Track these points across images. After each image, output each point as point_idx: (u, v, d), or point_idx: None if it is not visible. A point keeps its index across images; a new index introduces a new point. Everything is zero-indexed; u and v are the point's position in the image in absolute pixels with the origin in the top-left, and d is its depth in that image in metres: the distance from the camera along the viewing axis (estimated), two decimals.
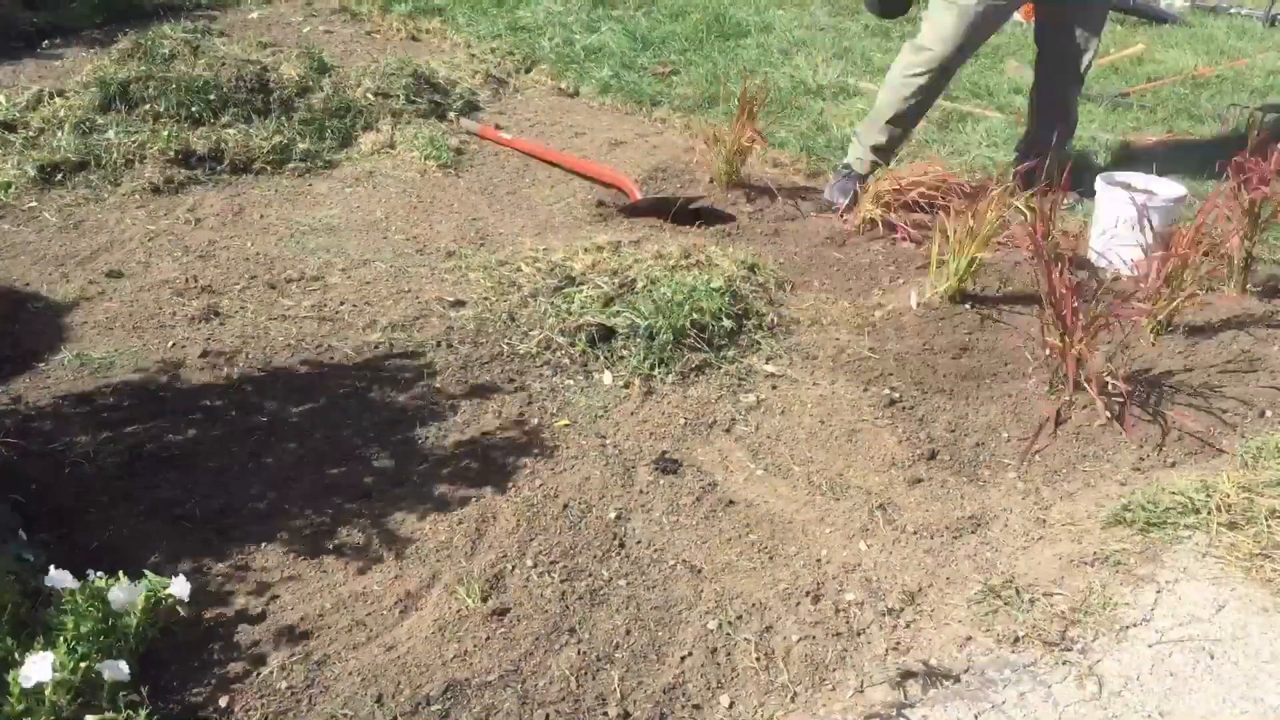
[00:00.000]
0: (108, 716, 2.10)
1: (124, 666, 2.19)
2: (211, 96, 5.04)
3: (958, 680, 2.32)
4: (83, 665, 2.16)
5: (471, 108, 5.54)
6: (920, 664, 2.36)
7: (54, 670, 2.10)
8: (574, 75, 5.95)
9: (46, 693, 2.08)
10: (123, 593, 2.32)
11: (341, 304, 3.77)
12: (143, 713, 2.12)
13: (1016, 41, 6.62)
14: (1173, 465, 2.99)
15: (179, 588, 2.41)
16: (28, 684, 2.08)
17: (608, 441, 3.10)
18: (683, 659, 2.39)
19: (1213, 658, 2.35)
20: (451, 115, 5.37)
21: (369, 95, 5.36)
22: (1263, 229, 3.74)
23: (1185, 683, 2.30)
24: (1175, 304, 3.47)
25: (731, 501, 2.87)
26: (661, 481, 2.94)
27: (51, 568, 2.37)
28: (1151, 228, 3.67)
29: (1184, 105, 5.64)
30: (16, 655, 2.15)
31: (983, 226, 3.62)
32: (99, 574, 2.40)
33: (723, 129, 4.63)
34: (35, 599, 2.35)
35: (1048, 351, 3.28)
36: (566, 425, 3.14)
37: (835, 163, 4.79)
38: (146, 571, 2.43)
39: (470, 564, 2.65)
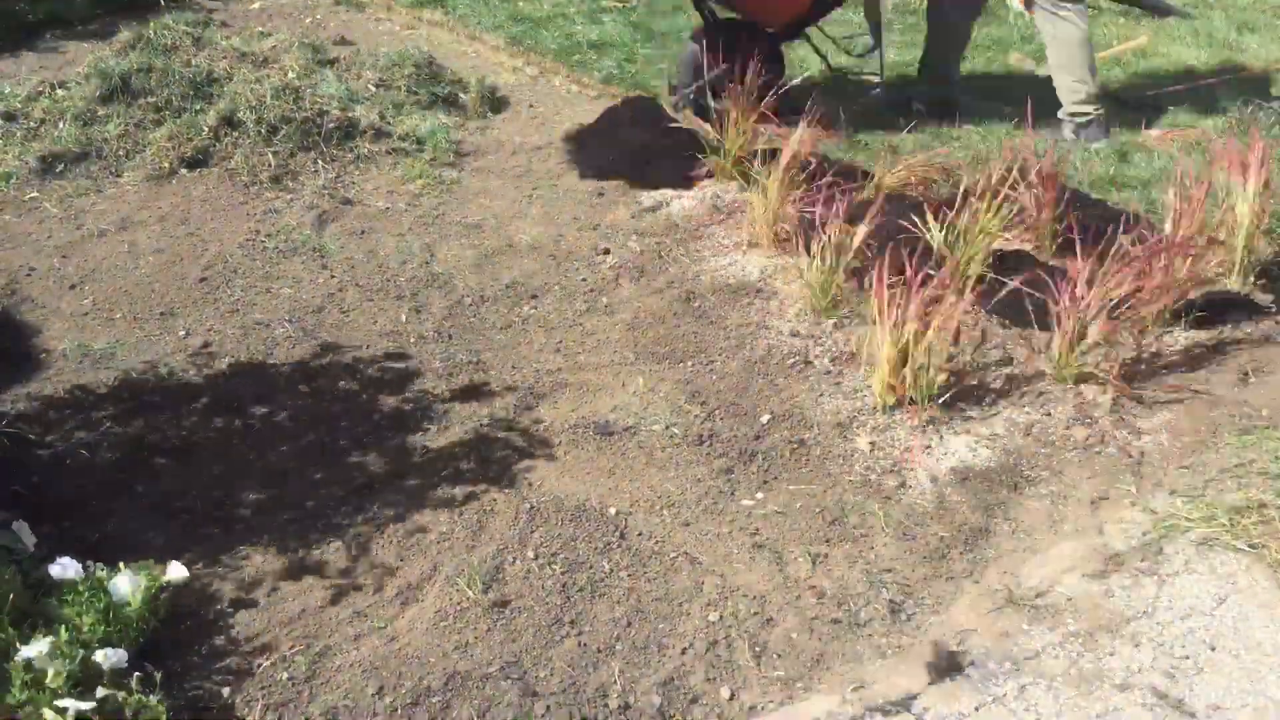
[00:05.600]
0: (113, 694, 2.10)
1: (123, 654, 2.19)
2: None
3: (959, 672, 2.32)
4: (81, 653, 2.16)
5: (472, 98, 5.53)
6: (922, 657, 2.36)
7: (50, 655, 2.10)
8: (577, 67, 5.94)
9: (46, 680, 2.08)
10: (124, 583, 2.32)
11: (340, 290, 3.77)
12: (153, 699, 2.13)
13: (1019, 33, 6.59)
14: (1173, 463, 2.99)
15: (176, 572, 2.41)
16: (21, 660, 2.09)
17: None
18: (683, 651, 2.39)
19: (1213, 650, 2.35)
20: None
21: (370, 87, 5.35)
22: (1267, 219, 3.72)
23: (1186, 675, 2.30)
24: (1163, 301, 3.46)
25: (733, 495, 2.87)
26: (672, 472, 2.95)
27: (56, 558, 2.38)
28: None
29: (1187, 98, 5.62)
30: (17, 645, 2.16)
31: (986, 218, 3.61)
32: (100, 565, 2.40)
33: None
34: (37, 589, 2.35)
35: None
36: None
37: (837, 150, 4.77)
38: (146, 562, 2.43)
39: (471, 555, 2.65)
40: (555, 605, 2.50)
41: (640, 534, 2.74)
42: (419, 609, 2.50)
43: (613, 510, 2.81)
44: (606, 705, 2.26)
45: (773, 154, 4.10)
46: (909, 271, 3.06)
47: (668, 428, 3.12)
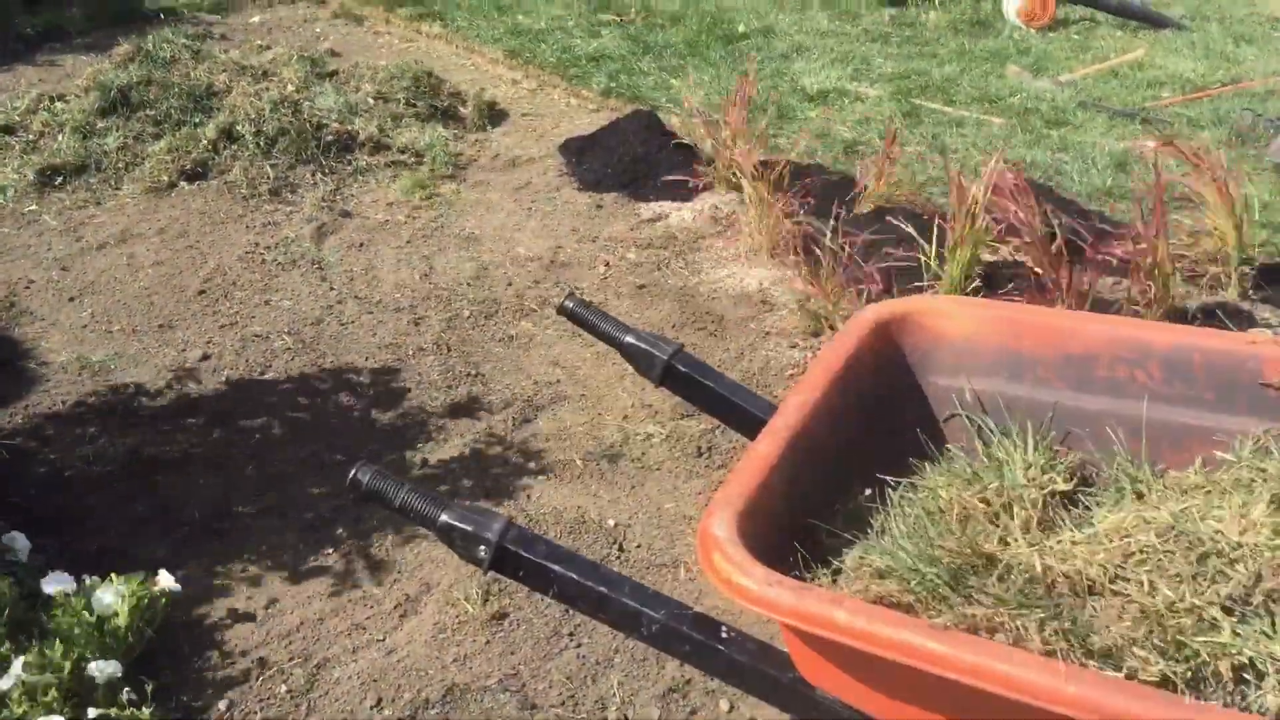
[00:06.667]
0: (105, 713, 2.09)
1: (117, 666, 2.18)
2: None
3: None
4: (72, 666, 2.15)
5: (470, 111, 5.55)
6: None
7: (39, 668, 2.10)
8: (575, 79, 5.96)
9: (38, 695, 2.08)
10: (107, 594, 2.30)
11: (339, 303, 3.77)
12: (146, 711, 2.12)
13: (1016, 46, 6.63)
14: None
15: (167, 582, 2.40)
16: (12, 676, 2.09)
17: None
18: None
19: None
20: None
21: (369, 99, 5.37)
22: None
23: None
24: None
25: None
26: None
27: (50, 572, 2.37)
28: None
29: (1183, 109, 5.64)
30: (12, 659, 2.15)
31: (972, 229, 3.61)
32: (95, 577, 2.40)
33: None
34: (33, 601, 2.35)
35: None
36: None
37: (832, 162, 4.78)
38: (134, 573, 2.41)
39: (469, 568, 2.64)
40: (554, 617, 2.49)
41: (639, 545, 2.73)
42: (417, 621, 2.49)
43: (611, 522, 2.81)
44: (605, 717, 2.25)
45: (769, 165, 4.11)
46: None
47: (666, 440, 3.12)
